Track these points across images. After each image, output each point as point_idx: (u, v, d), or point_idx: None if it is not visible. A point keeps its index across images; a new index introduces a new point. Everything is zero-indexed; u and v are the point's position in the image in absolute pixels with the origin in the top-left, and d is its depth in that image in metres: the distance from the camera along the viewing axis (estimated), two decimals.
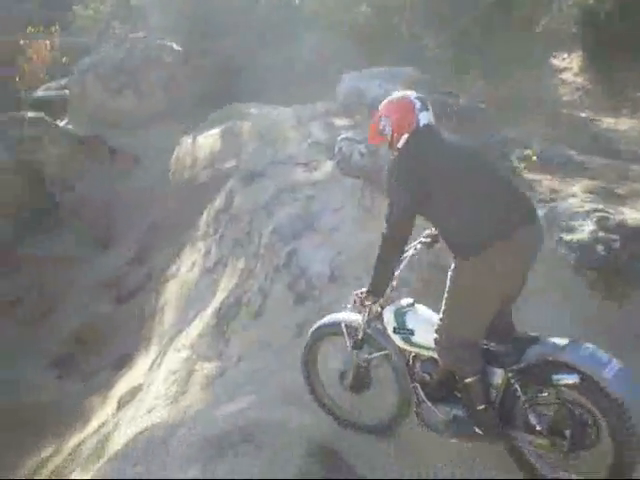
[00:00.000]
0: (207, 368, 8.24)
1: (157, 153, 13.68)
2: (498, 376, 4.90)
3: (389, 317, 5.34)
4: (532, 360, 4.73)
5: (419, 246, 5.54)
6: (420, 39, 13.52)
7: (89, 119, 16.24)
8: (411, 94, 5.06)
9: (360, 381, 5.71)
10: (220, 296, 9.18)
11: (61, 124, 15.95)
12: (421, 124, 4.93)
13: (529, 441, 4.88)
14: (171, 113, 15.00)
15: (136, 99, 16.47)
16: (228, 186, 10.92)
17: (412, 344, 5.26)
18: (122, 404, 9.14)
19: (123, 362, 10.58)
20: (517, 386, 4.82)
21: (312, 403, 6.09)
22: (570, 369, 4.55)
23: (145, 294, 11.48)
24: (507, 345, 4.85)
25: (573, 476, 4.89)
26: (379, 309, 5.38)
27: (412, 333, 5.24)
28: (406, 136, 4.92)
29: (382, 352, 5.51)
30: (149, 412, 8.35)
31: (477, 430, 5.03)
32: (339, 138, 8.69)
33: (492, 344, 4.92)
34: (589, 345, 4.60)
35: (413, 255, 5.50)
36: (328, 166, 9.71)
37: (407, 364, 5.39)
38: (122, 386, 9.72)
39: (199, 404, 7.63)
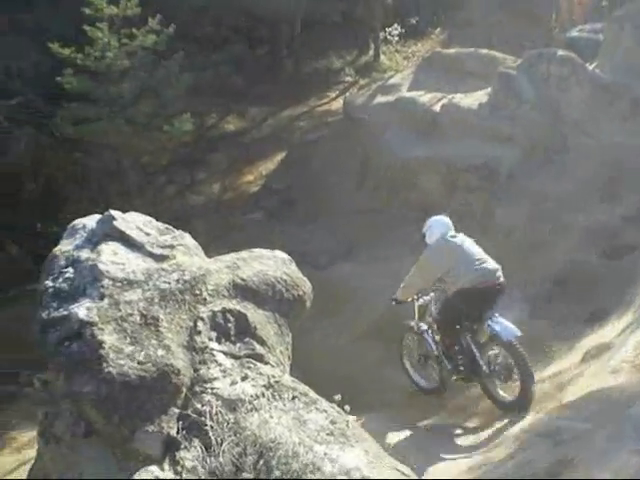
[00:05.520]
0: None
1: None
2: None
3: None
4: None
5: None
6: None
7: (619, 67, 15.78)
8: None
9: None
10: None
11: (589, 68, 15.68)
12: None
13: None
14: None
15: None
16: None
17: None
18: (587, 357, 8.98)
19: (596, 316, 10.35)
20: None
21: None
22: None
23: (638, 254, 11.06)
24: None
25: None
26: None
27: None
28: None
29: None
30: (613, 373, 8.10)
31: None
32: None
33: None
34: None
35: None
36: None
37: None
38: (590, 340, 9.53)
39: None
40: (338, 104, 20.28)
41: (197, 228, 13.92)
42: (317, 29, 23.86)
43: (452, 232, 9.14)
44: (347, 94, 20.58)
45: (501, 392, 8.56)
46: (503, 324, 8.43)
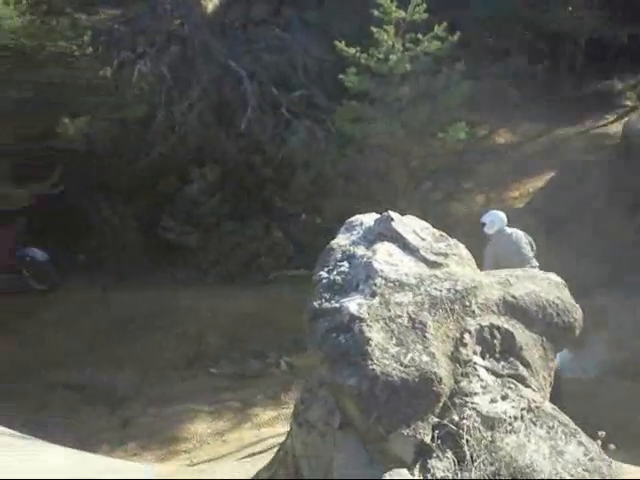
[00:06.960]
0: None
1: None
2: None
3: None
4: None
5: None
6: None
7: None
8: None
9: None
10: None
11: None
12: None
13: None
14: None
15: None
16: None
17: None
18: None
19: None
20: None
21: None
22: None
23: None
24: None
25: None
26: None
27: None
28: None
29: None
30: None
31: None
32: None
33: None
34: None
35: None
36: None
37: None
38: None
39: None
40: (616, 128, 19.45)
41: (455, 238, 13.81)
42: (602, 49, 22.97)
43: (507, 228, 10.48)
44: (626, 118, 19.68)
45: None
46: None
